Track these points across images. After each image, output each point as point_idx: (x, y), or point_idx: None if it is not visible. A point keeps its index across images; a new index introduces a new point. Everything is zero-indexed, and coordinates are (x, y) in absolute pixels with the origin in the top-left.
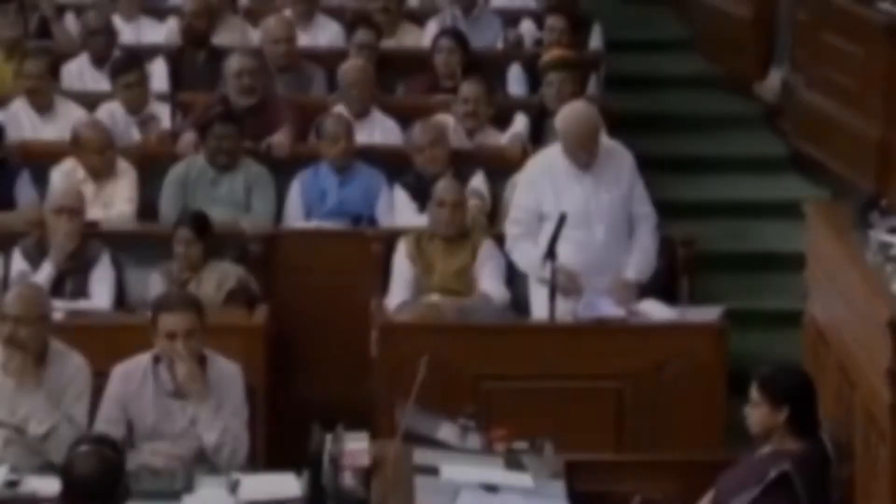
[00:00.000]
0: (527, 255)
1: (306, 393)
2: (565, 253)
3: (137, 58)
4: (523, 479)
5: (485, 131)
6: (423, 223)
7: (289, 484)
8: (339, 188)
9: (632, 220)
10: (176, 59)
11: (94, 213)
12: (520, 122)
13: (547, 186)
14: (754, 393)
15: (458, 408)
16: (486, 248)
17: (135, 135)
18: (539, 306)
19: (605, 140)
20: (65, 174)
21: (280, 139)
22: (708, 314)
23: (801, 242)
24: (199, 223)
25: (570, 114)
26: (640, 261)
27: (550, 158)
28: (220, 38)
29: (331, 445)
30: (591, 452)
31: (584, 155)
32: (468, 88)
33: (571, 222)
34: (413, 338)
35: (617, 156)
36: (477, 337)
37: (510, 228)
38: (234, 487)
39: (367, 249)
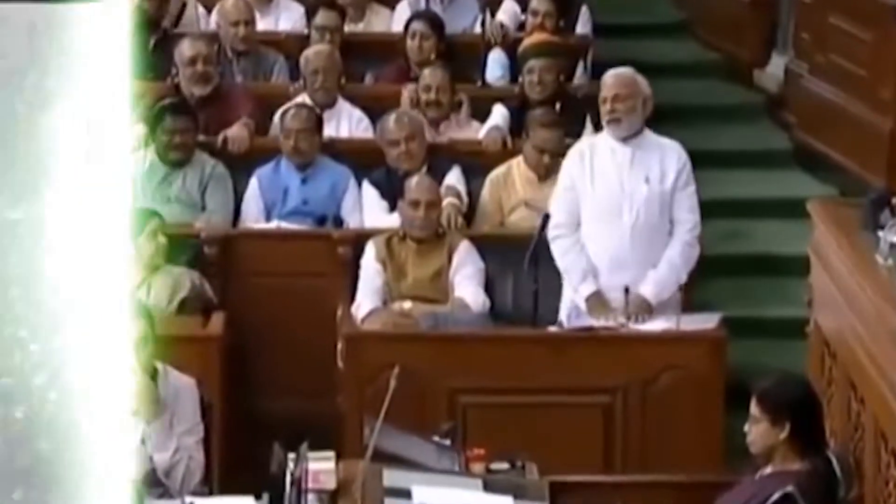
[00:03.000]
0: (567, 260)
1: (267, 408)
2: (587, 246)
3: None
4: (503, 503)
5: (451, 122)
6: (394, 224)
7: None
8: (302, 186)
9: (671, 226)
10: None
11: None
12: (498, 114)
13: (584, 169)
14: (754, 408)
15: (433, 424)
16: (463, 250)
17: None
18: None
19: (663, 138)
20: None
21: (237, 132)
22: (704, 322)
23: (805, 244)
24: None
25: (611, 70)
26: (663, 276)
27: (592, 141)
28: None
29: (293, 466)
30: (577, 473)
31: (617, 107)
32: (430, 75)
33: (599, 210)
34: (383, 348)
35: (668, 152)
36: (453, 347)
37: (556, 217)
38: None
39: (333, 252)
